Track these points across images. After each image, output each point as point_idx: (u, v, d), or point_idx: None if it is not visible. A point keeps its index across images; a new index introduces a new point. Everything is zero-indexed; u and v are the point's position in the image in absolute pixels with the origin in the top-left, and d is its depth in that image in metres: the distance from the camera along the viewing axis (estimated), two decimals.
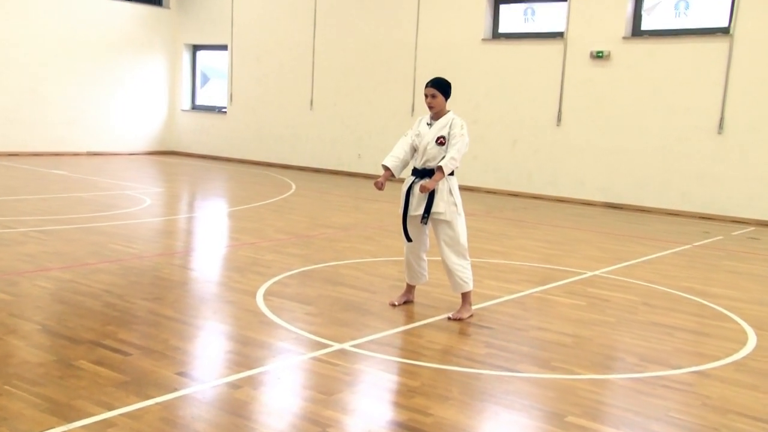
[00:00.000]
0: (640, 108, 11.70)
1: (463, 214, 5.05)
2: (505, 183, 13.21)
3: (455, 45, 13.52)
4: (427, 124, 5.05)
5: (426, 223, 5.02)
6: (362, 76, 14.89)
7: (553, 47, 12.50)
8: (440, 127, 4.98)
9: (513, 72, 12.94)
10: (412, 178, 5.08)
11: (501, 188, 13.25)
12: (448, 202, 4.96)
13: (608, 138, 12.03)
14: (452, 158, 4.86)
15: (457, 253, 5.02)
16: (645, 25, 11.86)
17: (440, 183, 4.92)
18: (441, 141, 4.93)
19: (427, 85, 5.01)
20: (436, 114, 5.03)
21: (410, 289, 5.38)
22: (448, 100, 5.05)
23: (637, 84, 11.69)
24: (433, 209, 4.94)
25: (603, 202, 12.17)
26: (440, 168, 4.86)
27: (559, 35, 12.49)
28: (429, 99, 4.99)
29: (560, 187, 12.61)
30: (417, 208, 5.01)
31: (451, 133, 4.94)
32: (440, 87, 4.97)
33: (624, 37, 11.80)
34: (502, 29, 13.28)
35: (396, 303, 5.29)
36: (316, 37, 15.52)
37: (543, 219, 10.34)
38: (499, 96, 13.12)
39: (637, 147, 11.76)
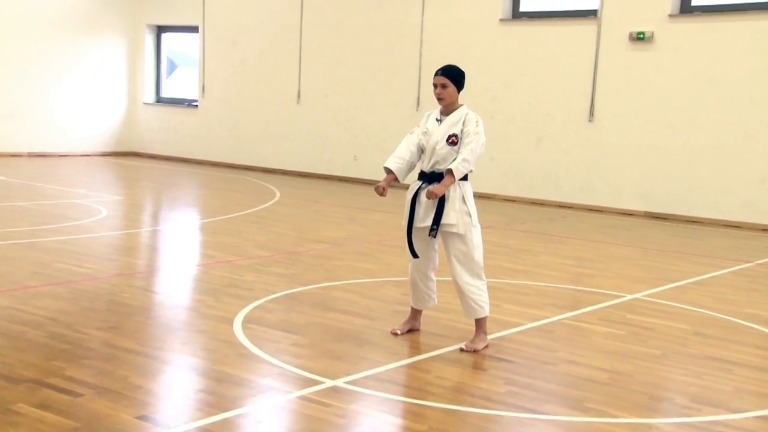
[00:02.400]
0: (689, 99, 11.72)
1: (478, 225, 5.05)
2: (528, 189, 13.23)
3: (469, 26, 13.57)
4: (437, 120, 5.08)
5: (435, 236, 5.03)
6: (358, 64, 14.94)
7: (585, 28, 12.54)
8: (451, 123, 5.00)
9: (537, 58, 12.98)
10: (419, 183, 5.09)
11: (523, 195, 13.27)
12: (461, 212, 4.96)
13: (651, 135, 12.06)
14: (465, 160, 4.88)
15: (471, 271, 5.02)
16: (696, 0, 11.89)
17: (451, 189, 4.93)
18: (452, 140, 4.95)
19: (436, 74, 5.04)
20: (447, 108, 5.06)
21: (416, 314, 5.38)
22: (461, 93, 5.08)
23: (687, 71, 11.72)
24: (443, 220, 4.95)
25: (645, 212, 12.19)
26: (450, 171, 4.87)
27: (592, 14, 12.54)
28: (438, 89, 5.01)
29: (593, 194, 12.62)
30: (424, 219, 5.02)
31: (465, 130, 4.95)
32: (452, 76, 5.00)
33: (670, 15, 11.84)
34: (524, 7, 13.34)
35: (399, 331, 5.29)
36: (303, 18, 15.58)
37: (573, 232, 10.35)
38: (520, 87, 13.16)
39: (687, 146, 11.78)
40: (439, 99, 5.03)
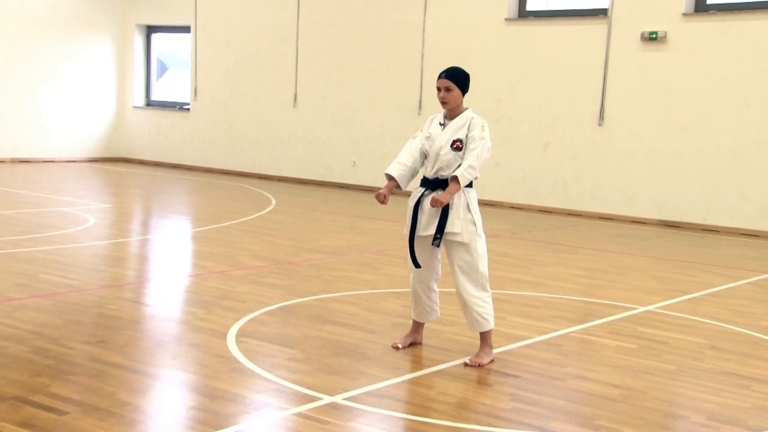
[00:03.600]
0: (704, 102, 11.73)
1: (483, 235, 5.06)
2: (535, 196, 13.24)
3: (473, 26, 13.60)
4: (440, 124, 5.10)
5: (438, 246, 5.04)
6: (358, 66, 14.97)
7: (595, 28, 12.57)
8: (456, 128, 5.02)
9: (545, 59, 13.00)
10: (422, 190, 5.10)
11: (530, 203, 13.28)
12: (466, 220, 4.97)
13: (664, 140, 12.07)
14: (470, 166, 4.89)
15: (476, 283, 5.03)
16: None
17: (456, 196, 4.95)
18: (457, 145, 4.97)
19: (440, 76, 5.06)
20: (451, 112, 5.07)
21: (417, 327, 5.38)
22: (466, 95, 5.10)
23: (701, 72, 11.73)
24: (447, 228, 4.96)
25: (658, 220, 12.19)
26: (455, 178, 4.89)
27: (602, 13, 12.57)
28: (442, 93, 5.03)
29: (604, 202, 12.63)
30: (427, 227, 5.03)
31: (470, 135, 4.97)
32: (456, 78, 5.02)
33: (684, 14, 11.87)
34: (530, 6, 13.38)
35: (400, 345, 5.29)
36: (300, 17, 15.62)
37: (583, 241, 10.35)
38: (527, 89, 13.18)
39: (702, 151, 11.78)
40: (443, 103, 5.04)
